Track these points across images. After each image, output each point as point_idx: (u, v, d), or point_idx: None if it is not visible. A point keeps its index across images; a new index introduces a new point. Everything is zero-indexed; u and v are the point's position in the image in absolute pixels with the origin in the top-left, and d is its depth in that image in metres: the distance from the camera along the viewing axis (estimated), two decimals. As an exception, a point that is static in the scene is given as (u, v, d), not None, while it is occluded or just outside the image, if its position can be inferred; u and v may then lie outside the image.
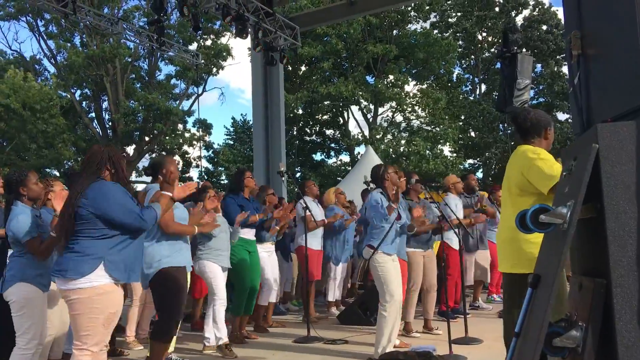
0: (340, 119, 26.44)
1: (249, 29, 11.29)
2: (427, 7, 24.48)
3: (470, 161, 28.72)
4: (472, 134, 28.03)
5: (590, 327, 1.89)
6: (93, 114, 26.43)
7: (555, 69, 26.54)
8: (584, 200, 1.92)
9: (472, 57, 28.68)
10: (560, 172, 3.12)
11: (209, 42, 25.59)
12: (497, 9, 27.07)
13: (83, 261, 3.01)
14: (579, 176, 1.95)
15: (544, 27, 26.87)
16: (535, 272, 2.23)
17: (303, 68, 24.75)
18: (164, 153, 26.23)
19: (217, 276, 5.35)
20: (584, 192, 1.87)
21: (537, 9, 27.43)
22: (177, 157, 25.16)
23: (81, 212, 3.04)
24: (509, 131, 26.28)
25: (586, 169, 1.88)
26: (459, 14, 27.63)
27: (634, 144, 1.86)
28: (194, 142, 26.83)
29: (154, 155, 26.50)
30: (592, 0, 2.23)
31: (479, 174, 26.99)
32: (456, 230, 5.94)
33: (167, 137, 25.39)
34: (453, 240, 6.46)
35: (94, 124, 26.17)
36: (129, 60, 24.82)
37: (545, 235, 2.31)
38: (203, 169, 27.84)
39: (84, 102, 26.41)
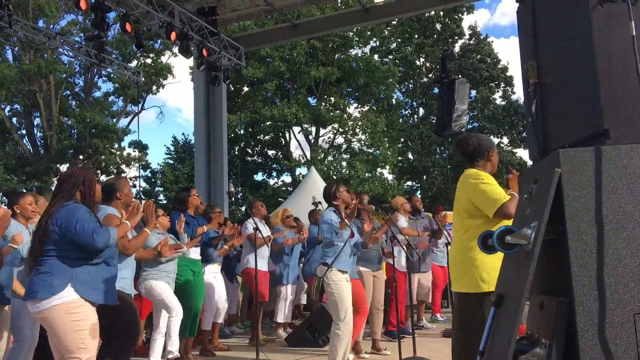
0: (282, 139, 26.50)
1: (193, 48, 11.21)
2: (369, 33, 25.03)
3: (409, 183, 29.36)
4: (411, 156, 28.72)
5: (554, 344, 1.96)
6: (24, 131, 25.37)
7: (487, 94, 27.64)
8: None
9: (411, 81, 29.51)
10: (503, 194, 3.28)
11: (149, 60, 25.18)
12: (435, 36, 28.03)
13: (51, 280, 3.01)
14: (542, 199, 2.03)
15: (478, 56, 28.03)
16: (498, 292, 2.30)
17: (245, 88, 24.71)
18: (97, 172, 25.45)
19: (166, 292, 5.27)
20: (547, 215, 1.95)
21: (473, 38, 28.62)
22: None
23: (50, 234, 3.07)
24: (445, 154, 27.12)
25: (550, 192, 1.96)
26: (399, 40, 28.44)
27: (593, 169, 1.96)
28: (132, 162, 26.18)
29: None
30: (549, 30, 2.35)
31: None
32: (405, 249, 6.03)
33: (103, 156, 24.65)
34: (400, 263, 6.56)
35: (25, 141, 25.10)
36: (64, 76, 24.05)
37: (506, 256, 2.39)
38: (141, 189, 27.12)
39: (14, 119, 25.34)
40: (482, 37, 28.61)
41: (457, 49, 28.03)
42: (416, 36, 28.11)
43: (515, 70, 29.41)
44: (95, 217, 3.28)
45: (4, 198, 5.47)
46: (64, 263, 3.05)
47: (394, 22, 27.32)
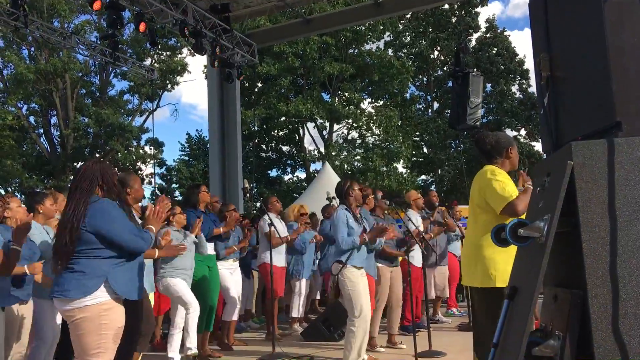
0: (296, 135, 26.53)
1: (206, 45, 11.26)
2: (381, 28, 24.92)
3: (423, 177, 29.27)
4: (425, 150, 28.60)
5: (568, 336, 1.97)
6: (41, 130, 25.68)
7: (504, 88, 27.38)
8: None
9: (425, 75, 29.34)
10: (514, 193, 3.29)
11: (163, 57, 25.33)
12: (449, 29, 27.81)
13: (86, 280, 2.94)
14: (555, 192, 2.03)
15: (494, 50, 27.77)
16: (512, 285, 2.30)
17: (259, 84, 24.77)
18: (115, 169, 25.64)
19: (183, 288, 5.34)
20: (560, 207, 1.96)
21: (489, 32, 28.35)
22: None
23: (82, 233, 2.97)
24: (460, 148, 26.99)
25: (562, 185, 1.97)
26: (412, 34, 28.28)
27: (605, 161, 1.96)
28: (147, 160, 26.37)
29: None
30: (561, 23, 2.35)
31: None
32: (420, 244, 6.03)
33: (119, 154, 24.87)
34: (415, 257, 6.56)
35: (42, 140, 25.41)
36: (80, 75, 24.28)
37: (519, 249, 2.40)
38: (156, 186, 27.36)
39: (31, 117, 25.67)
40: (499, 30, 28.33)
41: (473, 42, 27.80)
42: (430, 30, 27.93)
43: (531, 63, 29.10)
44: (130, 214, 3.21)
45: (22, 196, 5.57)
46: (98, 262, 2.98)
47: (408, 16, 27.17)
